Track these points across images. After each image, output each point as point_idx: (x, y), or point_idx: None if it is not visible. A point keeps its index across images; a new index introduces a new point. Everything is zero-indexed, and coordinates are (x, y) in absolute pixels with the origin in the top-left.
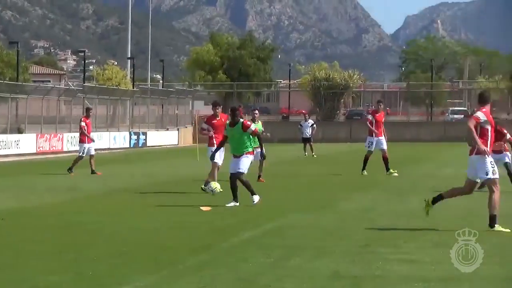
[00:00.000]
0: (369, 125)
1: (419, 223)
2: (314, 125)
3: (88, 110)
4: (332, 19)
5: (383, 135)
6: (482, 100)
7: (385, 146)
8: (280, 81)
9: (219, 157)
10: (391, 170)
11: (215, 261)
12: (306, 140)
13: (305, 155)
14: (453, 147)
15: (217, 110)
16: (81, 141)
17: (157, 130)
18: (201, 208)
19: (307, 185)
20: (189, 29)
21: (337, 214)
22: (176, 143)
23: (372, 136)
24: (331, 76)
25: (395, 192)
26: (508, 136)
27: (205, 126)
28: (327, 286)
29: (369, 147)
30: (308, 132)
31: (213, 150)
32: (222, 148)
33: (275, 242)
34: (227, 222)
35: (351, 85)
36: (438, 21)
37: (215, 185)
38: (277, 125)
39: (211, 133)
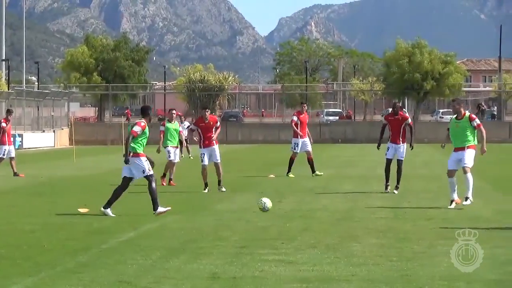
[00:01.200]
0: (293, 126)
1: (296, 224)
2: (191, 127)
3: (8, 112)
4: (206, 21)
5: (307, 136)
6: None
7: (310, 148)
8: (155, 83)
9: (207, 159)
10: (317, 172)
11: (94, 262)
12: (182, 142)
13: (182, 156)
14: (328, 148)
15: (206, 113)
16: (1, 142)
17: (33, 132)
18: (79, 210)
19: (184, 187)
20: (63, 31)
21: (215, 215)
22: (53, 145)
23: (297, 137)
24: (206, 78)
25: (272, 193)
26: (410, 120)
27: (194, 127)
28: (206, 287)
29: (294, 148)
30: (184, 133)
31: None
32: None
33: (154, 243)
34: (105, 224)
35: (226, 87)
36: (312, 23)
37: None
38: (153, 126)
39: (197, 138)
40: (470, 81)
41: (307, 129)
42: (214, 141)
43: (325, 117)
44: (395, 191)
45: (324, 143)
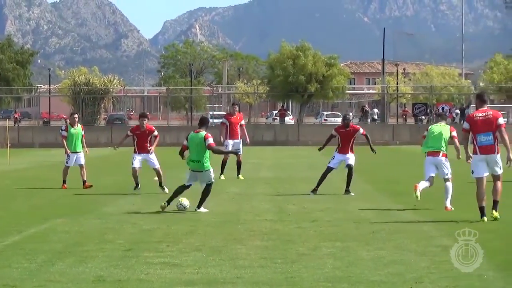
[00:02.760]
0: (223, 129)
1: (181, 227)
2: (127, 133)
3: None
4: (91, 24)
5: (239, 138)
6: (483, 100)
7: (241, 150)
8: (40, 86)
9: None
10: (240, 176)
11: None
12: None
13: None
14: None
15: (144, 121)
16: None
17: None
18: None
19: (70, 190)
20: None
21: (101, 218)
22: None
23: (226, 139)
24: (91, 81)
25: (157, 196)
26: (361, 130)
27: (130, 133)
28: None
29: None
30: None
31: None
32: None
33: (39, 247)
34: None
35: (111, 89)
36: (197, 26)
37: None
38: (38, 130)
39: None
40: (354, 84)
41: (245, 130)
42: (149, 150)
43: (210, 120)
44: (352, 194)
45: None
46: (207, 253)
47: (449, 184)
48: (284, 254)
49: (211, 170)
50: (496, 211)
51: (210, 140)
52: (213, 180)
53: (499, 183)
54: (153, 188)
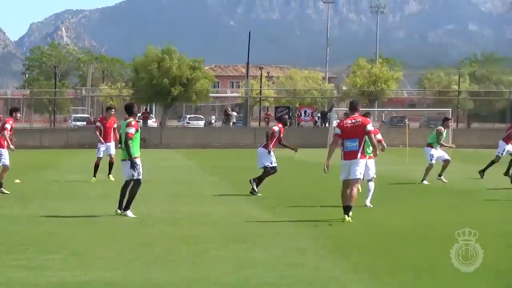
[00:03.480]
0: (96, 133)
1: (41, 229)
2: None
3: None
4: None
5: (111, 140)
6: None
7: (113, 151)
8: None
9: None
10: (111, 177)
11: None
12: None
13: None
14: (76, 154)
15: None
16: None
17: None
18: None
19: None
20: None
21: None
22: None
23: (102, 142)
24: None
25: (16, 198)
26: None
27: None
28: None
29: (98, 153)
30: None
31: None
32: None
33: None
34: None
35: None
36: (63, 28)
37: None
38: None
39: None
40: (218, 87)
41: (117, 134)
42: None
43: (73, 122)
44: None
45: (73, 148)
46: (66, 256)
47: (372, 184)
48: (142, 256)
49: (135, 162)
50: (348, 216)
51: (129, 129)
52: (136, 177)
53: (354, 189)
54: (15, 190)
